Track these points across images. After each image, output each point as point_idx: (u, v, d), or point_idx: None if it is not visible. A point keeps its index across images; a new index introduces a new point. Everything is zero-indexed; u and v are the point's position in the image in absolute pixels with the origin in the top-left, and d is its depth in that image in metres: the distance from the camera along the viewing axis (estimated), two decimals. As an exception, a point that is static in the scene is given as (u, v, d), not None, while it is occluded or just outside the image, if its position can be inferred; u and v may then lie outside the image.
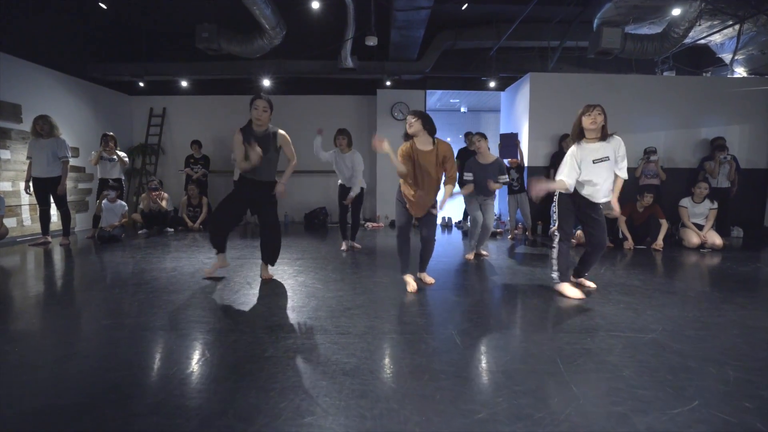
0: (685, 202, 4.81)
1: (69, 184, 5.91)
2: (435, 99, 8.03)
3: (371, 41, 4.81)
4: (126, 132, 7.15)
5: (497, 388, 1.49)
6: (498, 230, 5.94)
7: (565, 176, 2.65)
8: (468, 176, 3.94)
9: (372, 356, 1.75)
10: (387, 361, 1.70)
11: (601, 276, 3.26)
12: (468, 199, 4.05)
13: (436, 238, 2.95)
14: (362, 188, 4.31)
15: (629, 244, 4.62)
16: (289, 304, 2.49)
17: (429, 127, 2.72)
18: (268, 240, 3.06)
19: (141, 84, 6.63)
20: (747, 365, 1.68)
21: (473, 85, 7.14)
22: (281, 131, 2.98)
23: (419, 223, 2.96)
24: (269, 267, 3.17)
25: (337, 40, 5.62)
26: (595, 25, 5.09)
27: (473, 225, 4.04)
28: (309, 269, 3.45)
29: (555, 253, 2.79)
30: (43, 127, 4.57)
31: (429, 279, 3.03)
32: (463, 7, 4.63)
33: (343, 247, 4.39)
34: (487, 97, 7.99)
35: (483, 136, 4.05)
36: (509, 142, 5.50)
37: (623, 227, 4.71)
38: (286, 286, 2.89)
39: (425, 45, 6.25)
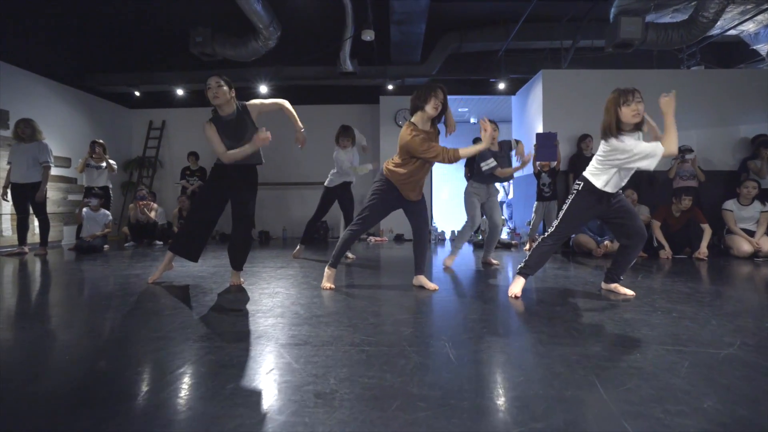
0: (730, 204, 4.18)
1: (58, 194, 5.68)
2: (442, 108, 7.65)
3: (368, 35, 4.51)
4: (125, 145, 6.99)
5: (508, 424, 0.95)
6: (513, 242, 5.36)
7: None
8: (490, 162, 3.29)
9: (326, 374, 1.23)
10: (345, 380, 1.18)
11: (638, 284, 2.66)
12: (471, 194, 3.45)
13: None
14: (351, 182, 3.97)
15: (666, 253, 3.98)
16: (246, 309, 1.99)
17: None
18: (239, 235, 2.54)
19: (137, 93, 6.50)
20: None
21: (482, 89, 6.76)
22: (250, 102, 2.56)
23: (408, 213, 2.52)
24: (239, 272, 2.69)
25: (336, 42, 5.37)
26: (612, 16, 4.67)
27: (467, 227, 3.47)
28: (289, 276, 2.96)
29: (536, 245, 2.34)
30: (25, 131, 4.34)
31: (431, 285, 2.49)
32: None
33: (297, 251, 4.00)
34: (498, 106, 7.58)
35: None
36: (548, 143, 4.58)
37: (658, 234, 4.08)
38: (253, 291, 2.40)
39: (429, 47, 5.95)
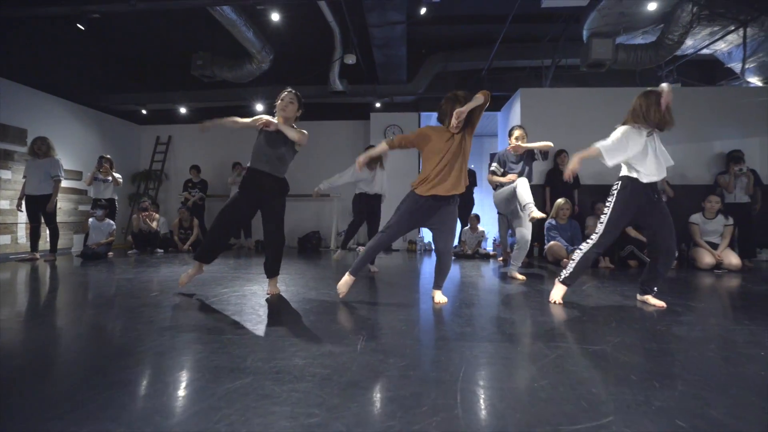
0: (696, 218, 4.32)
1: (70, 205, 6.15)
2: (433, 123, 7.96)
3: (350, 59, 4.85)
4: (133, 159, 7.48)
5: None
6: (493, 253, 5.55)
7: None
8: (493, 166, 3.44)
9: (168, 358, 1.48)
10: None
11: (578, 292, 2.84)
12: (499, 195, 3.40)
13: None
14: (382, 195, 4.05)
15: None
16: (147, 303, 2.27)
17: None
18: (273, 244, 2.59)
19: (144, 111, 7.00)
20: (706, 381, 1.29)
21: (468, 107, 7.03)
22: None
23: (435, 231, 2.41)
24: (275, 279, 2.73)
25: (326, 64, 5.74)
26: (585, 37, 4.92)
27: (521, 243, 3.40)
28: (251, 281, 3.24)
29: (579, 254, 2.38)
30: (41, 147, 4.80)
31: (442, 298, 2.44)
32: (422, 11, 4.48)
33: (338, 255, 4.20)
34: (487, 122, 7.84)
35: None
36: None
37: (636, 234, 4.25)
38: (189, 293, 2.68)
39: (416, 67, 6.28)
